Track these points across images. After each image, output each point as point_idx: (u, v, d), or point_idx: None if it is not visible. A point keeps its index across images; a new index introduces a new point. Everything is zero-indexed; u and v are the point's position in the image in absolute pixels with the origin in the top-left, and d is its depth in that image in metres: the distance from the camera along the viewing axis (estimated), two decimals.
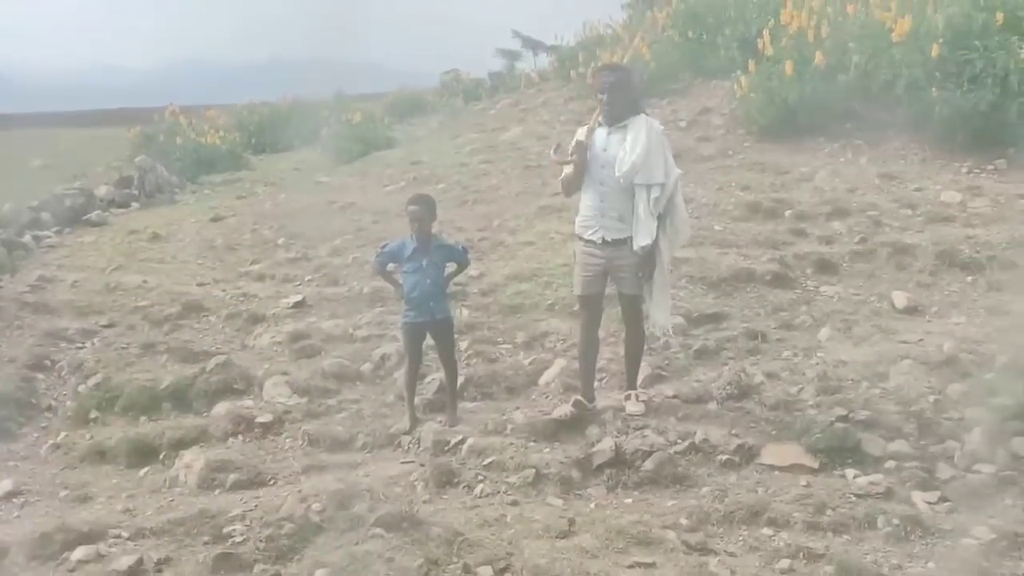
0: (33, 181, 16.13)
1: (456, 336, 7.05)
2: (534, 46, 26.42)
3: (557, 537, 5.05)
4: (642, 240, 6.10)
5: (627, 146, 6.03)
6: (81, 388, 7.46)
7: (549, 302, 8.26)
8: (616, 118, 6.11)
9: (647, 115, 6.19)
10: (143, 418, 6.94)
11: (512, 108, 19.02)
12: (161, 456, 6.43)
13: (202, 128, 23.11)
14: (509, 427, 6.30)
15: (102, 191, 15.66)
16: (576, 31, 21.86)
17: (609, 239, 6.14)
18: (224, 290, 9.51)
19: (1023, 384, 5.94)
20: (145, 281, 9.72)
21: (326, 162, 18.24)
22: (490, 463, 5.85)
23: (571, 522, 5.19)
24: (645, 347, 6.73)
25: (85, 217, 13.46)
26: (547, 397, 6.79)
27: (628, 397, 6.41)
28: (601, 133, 6.18)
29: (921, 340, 7.04)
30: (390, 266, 6.75)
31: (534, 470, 5.71)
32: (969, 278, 8.29)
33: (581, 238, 6.24)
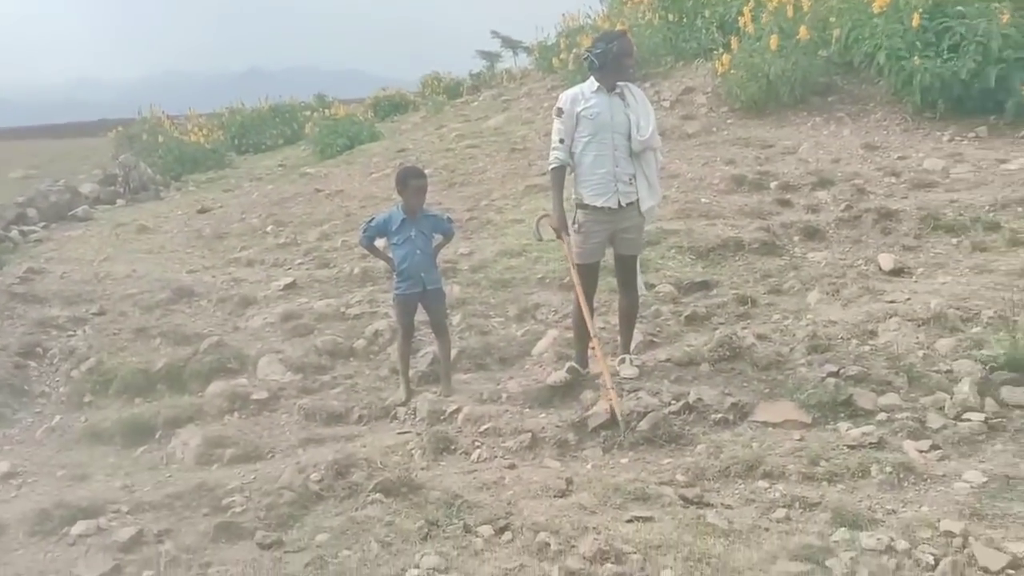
0: (13, 191, 16.09)
1: (448, 311, 7.08)
2: (513, 45, 26.47)
3: (555, 496, 5.08)
4: (652, 200, 6.25)
5: (638, 111, 6.14)
6: (74, 373, 7.45)
7: (539, 276, 8.31)
8: (615, 83, 6.16)
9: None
10: (138, 400, 6.96)
11: (495, 100, 19.05)
12: (157, 435, 6.44)
13: (185, 128, 23.08)
14: (504, 395, 6.34)
15: (87, 188, 15.67)
16: (556, 23, 21.94)
17: (624, 203, 6.19)
18: (214, 276, 9.53)
19: (1008, 336, 6.00)
20: (134, 270, 9.72)
21: (311, 157, 18.24)
22: (486, 430, 5.88)
23: (569, 482, 5.22)
24: (637, 315, 6.79)
25: (71, 213, 13.46)
26: (540, 366, 6.83)
27: (622, 361, 6.46)
28: (600, 100, 6.17)
29: (908, 299, 7.10)
30: (379, 242, 6.78)
31: (530, 434, 5.74)
32: (954, 240, 8.36)
33: (590, 206, 6.19)
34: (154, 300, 8.74)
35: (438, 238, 6.70)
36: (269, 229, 11.33)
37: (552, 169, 6.27)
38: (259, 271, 9.73)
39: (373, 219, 6.69)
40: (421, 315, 6.74)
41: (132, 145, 21.29)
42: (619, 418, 5.70)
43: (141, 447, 6.35)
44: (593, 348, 6.29)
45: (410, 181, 6.49)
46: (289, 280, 9.05)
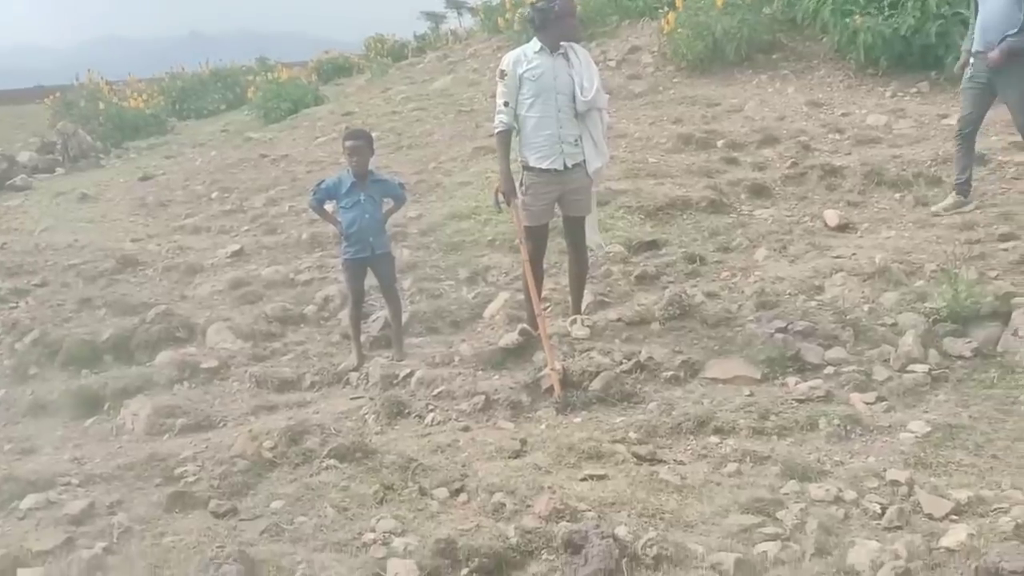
0: None
1: (398, 275, 7.05)
2: (458, 6, 26.20)
3: (510, 457, 5.10)
4: (599, 161, 6.28)
5: (582, 72, 6.12)
6: (18, 346, 7.29)
7: (489, 238, 8.30)
8: (559, 44, 6.13)
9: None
10: (84, 371, 6.84)
11: (440, 61, 18.89)
12: (106, 406, 6.33)
13: (124, 94, 22.61)
14: (457, 358, 6.34)
15: (24, 157, 15.32)
16: None
17: (570, 164, 6.18)
18: (159, 244, 9.39)
19: (950, 289, 6.12)
20: (76, 240, 9.55)
21: (255, 122, 17.99)
22: (439, 393, 5.88)
23: (523, 442, 5.24)
24: (587, 276, 6.83)
25: (9, 182, 13.16)
26: (492, 329, 6.84)
27: (574, 322, 6.49)
28: (543, 61, 6.13)
29: (854, 254, 7.21)
30: (328, 205, 6.72)
31: (484, 396, 5.75)
32: (897, 195, 8.51)
33: (536, 168, 6.18)
34: (98, 270, 8.59)
35: (389, 203, 6.66)
36: (214, 196, 11.18)
37: (497, 133, 6.24)
38: (205, 238, 9.61)
39: (323, 182, 6.64)
40: (371, 280, 6.71)
41: (70, 112, 20.80)
42: (557, 396, 5.73)
43: (90, 419, 6.25)
44: (544, 311, 6.32)
45: (345, 142, 6.46)
46: (236, 247, 8.94)
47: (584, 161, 6.23)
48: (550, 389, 5.78)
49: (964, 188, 7.76)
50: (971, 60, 7.71)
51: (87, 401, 6.41)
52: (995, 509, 4.22)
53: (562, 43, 6.15)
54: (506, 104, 6.16)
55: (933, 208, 7.77)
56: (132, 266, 8.72)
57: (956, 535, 3.99)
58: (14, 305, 8.06)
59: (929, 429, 5.00)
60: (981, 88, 7.65)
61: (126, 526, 4.65)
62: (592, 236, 6.59)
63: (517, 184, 6.25)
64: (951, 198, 7.79)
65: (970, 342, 5.84)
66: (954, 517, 4.22)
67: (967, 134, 7.77)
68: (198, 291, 8.11)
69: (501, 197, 6.27)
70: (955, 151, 7.96)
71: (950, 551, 3.90)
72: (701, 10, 13.16)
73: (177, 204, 11.15)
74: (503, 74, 6.19)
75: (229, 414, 6.06)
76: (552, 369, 5.81)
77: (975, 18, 7.70)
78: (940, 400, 5.36)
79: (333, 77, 23.56)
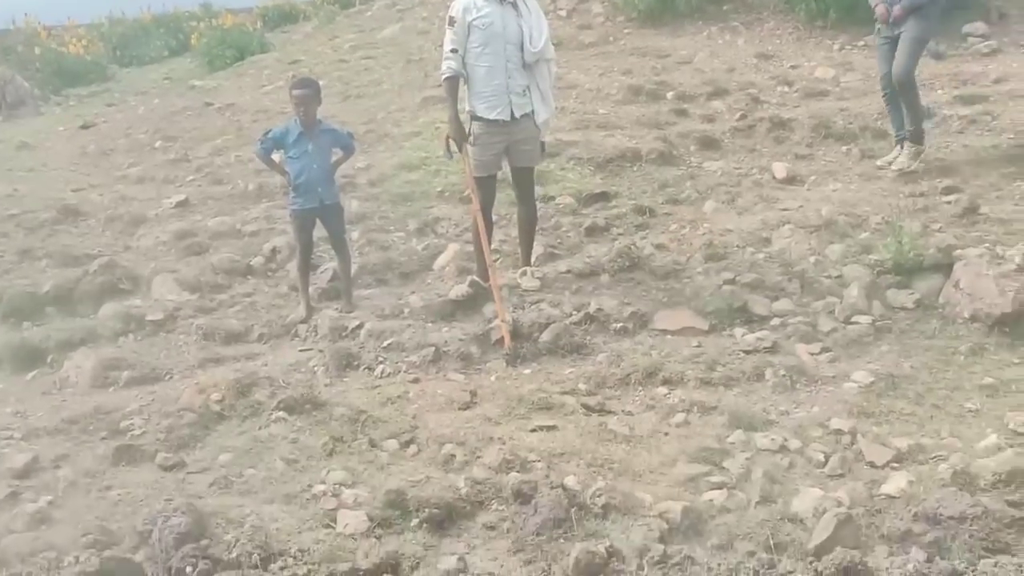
0: None
1: (347, 226, 6.97)
2: None
3: (460, 409, 5.13)
4: (546, 113, 6.31)
5: (531, 22, 6.12)
6: None
7: (439, 189, 8.24)
8: None
9: None
10: (26, 323, 6.70)
11: (389, 9, 18.54)
12: (49, 359, 6.22)
13: (63, 39, 21.98)
14: (406, 310, 6.31)
15: None
16: None
17: (518, 115, 6.15)
18: (101, 194, 9.18)
19: (894, 241, 6.21)
20: (16, 189, 9.31)
21: (199, 70, 17.60)
22: (389, 344, 5.87)
23: (473, 394, 5.27)
24: (536, 227, 6.82)
25: None
26: (442, 281, 6.81)
27: (523, 273, 6.49)
28: (492, 9, 6.08)
29: (801, 207, 7.28)
30: (276, 155, 6.63)
31: (434, 348, 5.75)
32: (844, 148, 8.59)
33: (484, 119, 6.15)
34: (38, 220, 8.38)
35: (338, 153, 6.58)
36: (158, 145, 10.94)
37: (445, 79, 6.19)
38: (149, 188, 9.41)
39: (270, 131, 6.54)
40: (320, 231, 6.64)
41: (7, 58, 20.17)
42: (507, 347, 5.73)
43: (32, 372, 6.14)
44: (494, 262, 6.31)
45: (292, 91, 6.37)
46: (181, 197, 8.77)
47: (532, 112, 6.21)
48: (500, 341, 5.79)
49: (918, 136, 7.79)
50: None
51: (29, 354, 6.30)
52: (934, 457, 4.34)
53: None
54: (454, 51, 6.11)
55: (893, 165, 7.74)
56: (74, 216, 8.52)
57: (897, 482, 4.10)
58: None
59: (872, 379, 5.10)
60: (890, 44, 7.71)
61: (71, 479, 4.61)
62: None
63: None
64: (907, 150, 7.77)
65: (913, 294, 5.95)
66: (895, 465, 4.33)
67: (890, 94, 7.84)
68: (142, 242, 7.96)
69: (452, 145, 6.23)
70: (887, 109, 8.05)
71: (891, 498, 4.01)
72: None
73: (119, 153, 10.90)
74: (452, 21, 6.13)
75: (176, 367, 5.99)
76: (502, 321, 5.81)
77: None
78: (883, 351, 5.47)
79: (279, 24, 23.04)
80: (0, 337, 6.48)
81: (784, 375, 5.23)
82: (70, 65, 19.39)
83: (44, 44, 20.58)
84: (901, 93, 7.69)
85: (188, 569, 3.73)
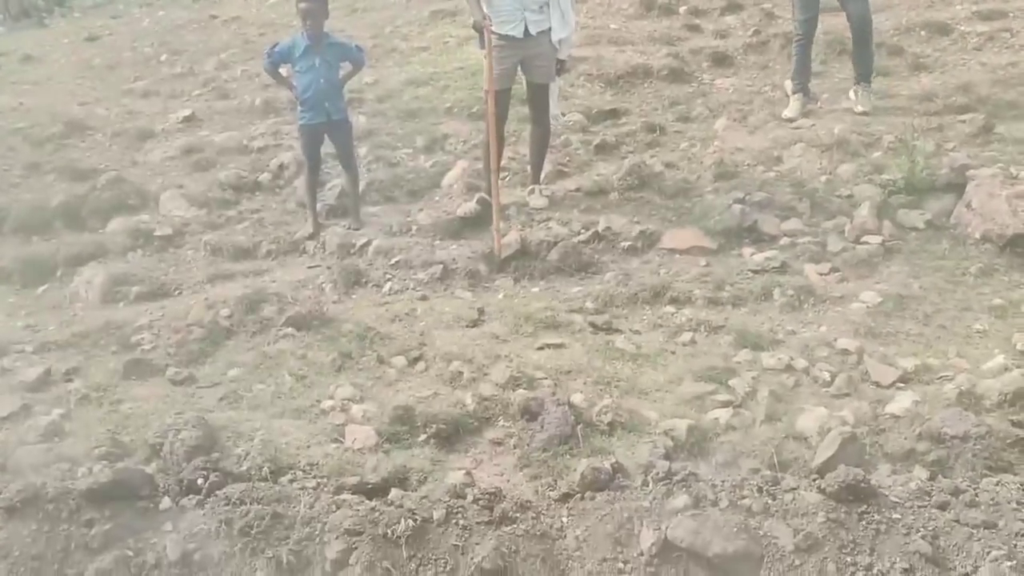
0: None
1: (355, 142, 6.91)
2: None
3: (467, 326, 5.15)
4: (564, 31, 6.21)
5: None
6: None
7: (447, 105, 8.14)
8: None
9: None
10: (35, 238, 6.71)
11: None
12: (58, 273, 6.25)
13: None
14: (414, 227, 6.31)
15: None
16: None
17: (533, 32, 6.06)
18: (108, 108, 9.10)
19: (907, 161, 6.14)
20: (21, 103, 9.24)
21: None
22: (397, 262, 5.88)
23: (480, 312, 5.28)
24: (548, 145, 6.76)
25: None
26: (450, 198, 6.77)
27: (532, 191, 6.46)
28: None
29: (813, 125, 7.18)
30: (283, 69, 6.55)
31: (441, 266, 5.76)
32: None
33: (497, 33, 6.03)
34: (45, 134, 8.32)
35: (347, 67, 6.49)
36: (163, 58, 10.80)
37: None
38: (155, 103, 9.32)
39: (277, 45, 6.45)
40: (328, 147, 6.59)
41: None
42: (496, 253, 5.78)
43: (42, 286, 6.17)
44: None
45: (299, 4, 6.25)
46: (188, 112, 8.69)
47: (549, 29, 6.11)
48: (510, 257, 5.80)
49: (870, 74, 7.55)
50: None
51: (39, 268, 6.33)
52: (940, 377, 4.36)
53: None
54: None
55: (856, 108, 7.33)
56: (80, 131, 8.46)
57: (902, 402, 4.13)
58: None
59: (880, 299, 5.10)
60: None
61: (83, 393, 4.68)
62: (552, 106, 6.55)
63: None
64: (864, 91, 7.41)
65: (924, 214, 5.90)
66: (900, 385, 4.35)
67: (806, 41, 7.55)
68: (149, 157, 7.92)
69: (483, 32, 6.00)
70: (796, 57, 7.62)
71: (895, 417, 4.04)
72: None
73: (125, 66, 10.77)
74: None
75: (184, 282, 6.01)
76: (495, 229, 5.82)
77: None
78: (892, 271, 5.44)
79: None
80: (10, 251, 6.50)
81: (792, 295, 5.23)
82: None
83: None
84: (864, 36, 7.36)
85: (199, 481, 3.80)
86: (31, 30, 14.24)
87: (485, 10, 6.02)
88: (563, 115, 7.26)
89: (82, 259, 6.31)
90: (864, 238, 5.73)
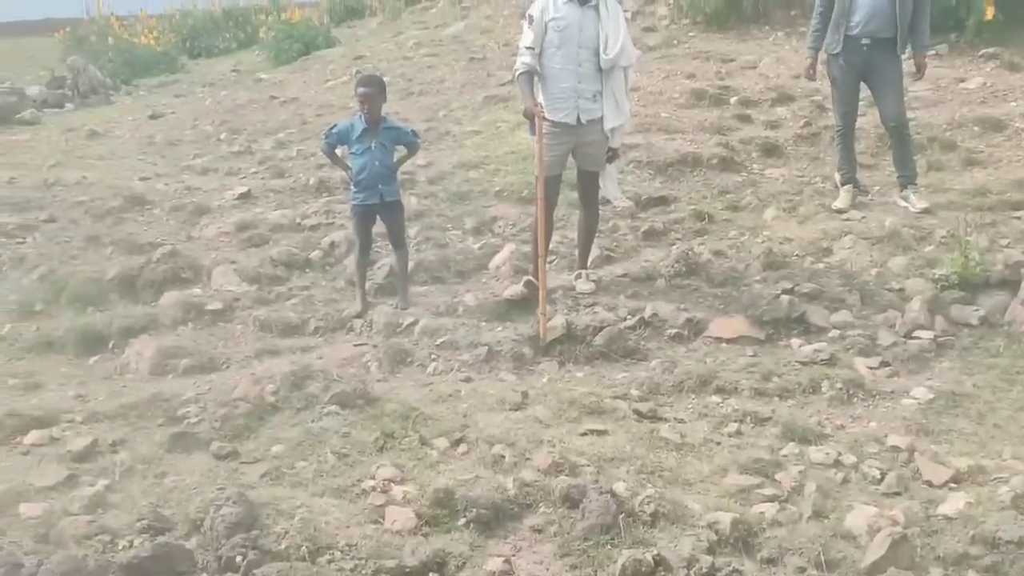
0: None
1: (406, 223, 7.01)
2: None
3: (511, 409, 5.12)
4: (618, 120, 6.25)
5: (609, 27, 6.06)
6: (24, 281, 7.29)
7: (497, 188, 8.25)
8: None
9: None
10: (90, 309, 6.83)
11: (454, 6, 18.62)
12: (111, 345, 6.34)
13: (135, 30, 22.42)
14: (460, 308, 6.34)
15: (34, 91, 15.24)
16: None
17: (584, 120, 6.14)
18: (167, 184, 9.35)
19: (960, 256, 6.09)
20: (85, 177, 9.52)
21: (265, 63, 17.87)
22: (443, 342, 5.89)
23: (524, 395, 5.26)
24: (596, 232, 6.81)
25: (17, 116, 13.08)
26: (497, 280, 6.81)
27: (579, 276, 6.48)
28: (570, 12, 6.08)
29: (864, 217, 7.16)
30: (339, 150, 6.69)
31: (487, 348, 5.76)
32: None
33: (549, 119, 6.10)
34: (105, 208, 8.55)
35: (401, 150, 6.62)
36: (223, 136, 11.12)
37: (520, 75, 6.21)
38: (213, 179, 9.56)
39: (335, 126, 6.60)
40: (379, 227, 6.69)
41: (80, 48, 20.65)
42: (541, 338, 5.80)
43: (94, 357, 6.26)
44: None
45: (358, 89, 6.40)
46: (244, 189, 8.89)
47: (601, 118, 6.18)
48: (555, 341, 5.80)
49: (914, 175, 7.50)
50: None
51: (92, 339, 6.41)
52: (995, 478, 4.24)
53: None
54: (529, 48, 6.12)
55: (915, 208, 7.23)
56: (140, 205, 8.68)
57: (955, 503, 4.02)
58: (21, 240, 8.04)
59: (932, 396, 5.01)
60: (856, 76, 7.45)
61: (128, 464, 4.70)
62: (609, 187, 6.61)
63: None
64: (914, 192, 7.35)
65: (977, 310, 5.82)
66: (953, 485, 4.24)
67: (847, 133, 7.60)
68: (204, 232, 8.09)
69: (534, 118, 6.08)
70: (839, 149, 7.68)
71: (948, 519, 3.93)
72: None
73: (186, 144, 11.09)
74: (531, 19, 6.15)
75: (232, 357, 6.06)
76: (541, 313, 5.83)
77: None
78: (944, 367, 5.36)
79: (345, 19, 23.27)
80: (65, 321, 6.62)
81: (841, 388, 5.16)
82: (141, 56, 19.80)
83: (117, 34, 21.05)
84: (902, 138, 7.37)
85: (238, 559, 3.78)
86: (98, 107, 14.72)
87: (538, 97, 6.13)
88: (621, 197, 7.25)
89: (134, 331, 6.39)
90: (915, 333, 5.66)
